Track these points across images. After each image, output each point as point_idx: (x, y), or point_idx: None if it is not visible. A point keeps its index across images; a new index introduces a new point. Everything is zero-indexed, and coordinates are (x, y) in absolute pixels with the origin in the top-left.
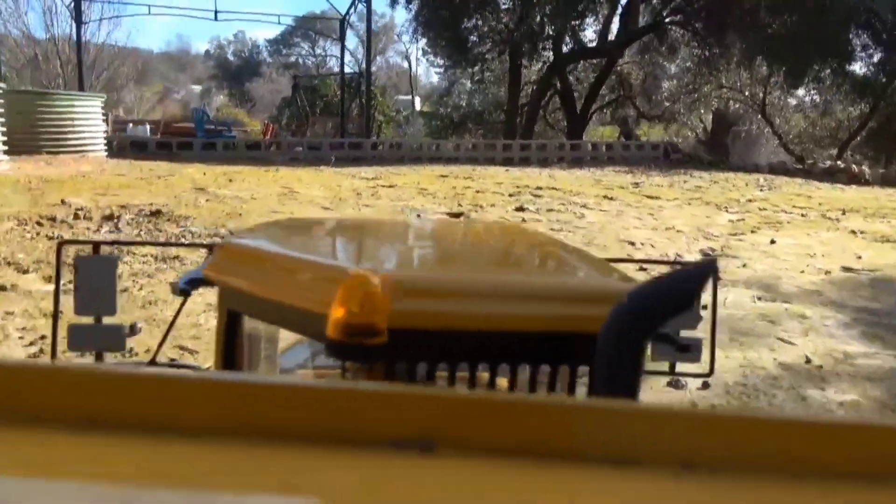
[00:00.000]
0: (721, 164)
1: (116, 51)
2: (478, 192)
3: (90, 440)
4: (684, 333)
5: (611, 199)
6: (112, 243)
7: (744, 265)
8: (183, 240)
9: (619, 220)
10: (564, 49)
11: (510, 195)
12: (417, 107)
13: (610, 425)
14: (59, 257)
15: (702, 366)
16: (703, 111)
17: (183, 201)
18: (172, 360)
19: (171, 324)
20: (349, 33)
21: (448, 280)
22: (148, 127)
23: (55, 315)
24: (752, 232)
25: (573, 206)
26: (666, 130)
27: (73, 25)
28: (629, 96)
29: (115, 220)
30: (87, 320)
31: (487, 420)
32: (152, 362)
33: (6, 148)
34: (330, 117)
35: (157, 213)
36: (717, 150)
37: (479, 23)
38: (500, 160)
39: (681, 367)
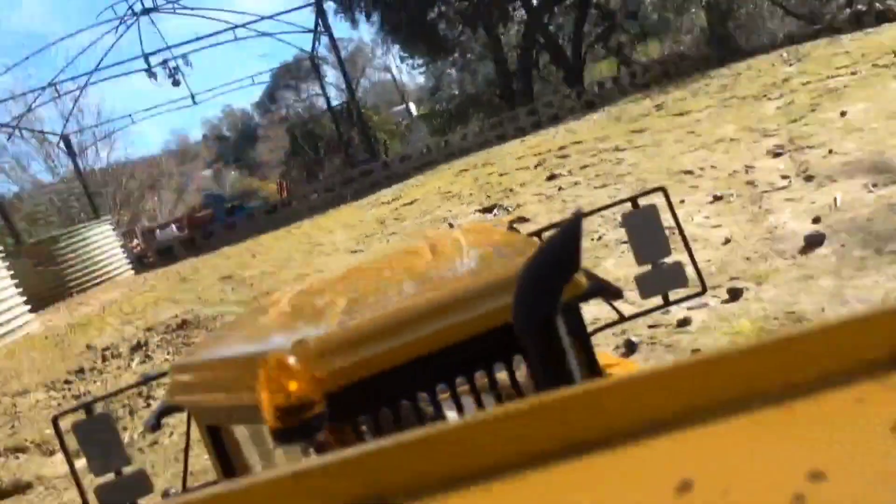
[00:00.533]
0: (733, 56)
1: (124, 168)
2: (502, 175)
3: None
4: (663, 262)
5: (640, 131)
6: (98, 400)
7: (830, 151)
8: None
9: (661, 151)
10: (534, 1)
11: (536, 166)
12: (414, 113)
13: (567, 415)
14: (59, 430)
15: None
16: (694, 10)
17: (210, 300)
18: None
19: (186, 448)
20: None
21: (358, 327)
22: (174, 227)
23: (77, 483)
24: (812, 111)
25: (605, 153)
26: (662, 44)
27: (72, 160)
28: (616, 22)
29: (144, 348)
30: (109, 478)
31: (434, 457)
32: (184, 489)
33: (29, 307)
34: (335, 154)
35: (183, 325)
36: (723, 44)
37: (444, 8)
38: (511, 133)
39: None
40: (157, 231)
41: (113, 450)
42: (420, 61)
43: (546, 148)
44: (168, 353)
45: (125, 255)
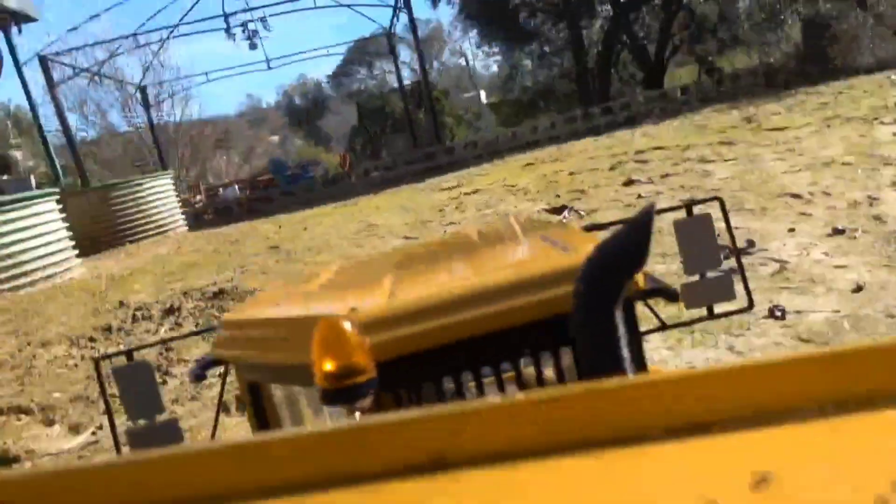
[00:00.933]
0: (828, 74)
1: (196, 124)
2: (572, 174)
3: None
4: (711, 274)
5: (729, 143)
6: (140, 347)
7: None
8: None
9: (758, 168)
10: None
11: (611, 168)
12: (484, 100)
13: (610, 404)
14: (100, 373)
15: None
16: (789, 22)
17: (251, 270)
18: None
19: (219, 404)
20: (401, 47)
21: (412, 302)
22: (236, 187)
23: (112, 426)
24: None
25: (690, 162)
26: (749, 56)
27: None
28: (705, 27)
29: (176, 314)
30: (142, 424)
31: (492, 427)
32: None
33: (77, 251)
34: (400, 133)
35: (220, 294)
36: (816, 61)
37: None
38: (583, 131)
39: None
40: (221, 190)
41: (149, 397)
42: (496, 49)
43: (622, 150)
44: (197, 323)
45: (182, 210)
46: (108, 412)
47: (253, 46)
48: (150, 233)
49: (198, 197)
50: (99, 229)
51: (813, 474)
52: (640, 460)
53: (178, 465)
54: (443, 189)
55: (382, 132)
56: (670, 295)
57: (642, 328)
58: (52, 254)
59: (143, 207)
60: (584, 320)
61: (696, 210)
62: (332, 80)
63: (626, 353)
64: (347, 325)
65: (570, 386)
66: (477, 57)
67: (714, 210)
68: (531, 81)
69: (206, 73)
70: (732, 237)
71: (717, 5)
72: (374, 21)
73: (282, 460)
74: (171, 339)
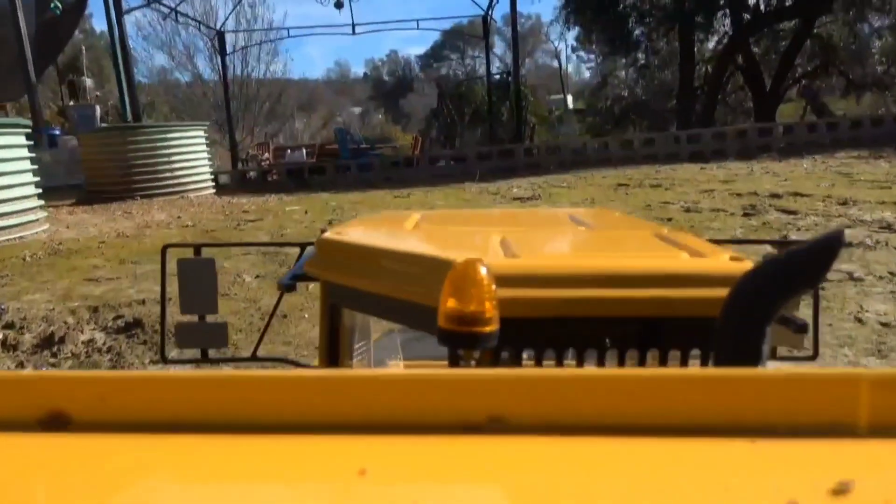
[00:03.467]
0: None
1: (279, 83)
2: (688, 210)
3: (205, 441)
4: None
5: None
6: (211, 245)
7: None
8: None
9: None
10: (746, 15)
11: (745, 214)
12: (570, 105)
13: (678, 395)
14: (165, 260)
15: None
16: None
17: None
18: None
19: (270, 318)
20: (496, 39)
21: (557, 266)
22: (304, 151)
23: (163, 316)
24: None
25: (861, 225)
26: (874, 101)
27: (231, 59)
28: (832, 63)
29: (57, 347)
30: (192, 319)
31: (554, 397)
32: (254, 356)
33: (42, 203)
34: (479, 124)
35: (131, 327)
36: None
37: (640, 1)
38: (685, 156)
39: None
40: (288, 151)
41: (207, 295)
42: (591, 56)
43: (747, 188)
44: (82, 363)
45: (212, 170)
46: (163, 300)
47: (339, 5)
48: (167, 190)
49: (265, 155)
50: (110, 178)
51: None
52: (714, 454)
53: (242, 387)
54: (515, 198)
55: (461, 120)
56: (799, 326)
57: None
58: (17, 199)
59: (163, 161)
60: (733, 332)
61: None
62: (422, 61)
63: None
64: (484, 272)
65: (649, 370)
66: (570, 61)
67: None
68: (626, 92)
69: (288, 30)
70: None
71: (854, 38)
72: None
73: (340, 397)
74: (254, 244)
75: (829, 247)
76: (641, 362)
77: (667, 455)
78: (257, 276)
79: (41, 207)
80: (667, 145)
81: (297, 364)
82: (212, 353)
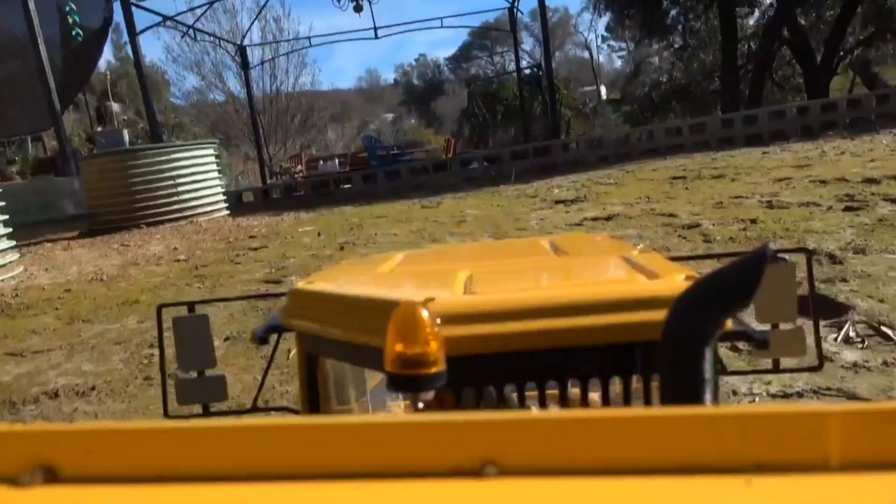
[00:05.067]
0: None
1: (308, 94)
2: (769, 204)
3: (192, 491)
4: (784, 326)
5: None
6: (203, 302)
7: None
8: None
9: None
10: None
11: (845, 209)
12: (604, 96)
13: (673, 433)
14: (160, 319)
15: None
16: None
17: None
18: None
19: (267, 369)
20: (523, 35)
21: (500, 300)
22: (337, 161)
23: (163, 373)
24: None
25: None
26: None
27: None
28: (889, 29)
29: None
30: (192, 375)
31: (546, 439)
32: (254, 407)
33: (14, 243)
34: (511, 122)
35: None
36: None
37: None
38: (740, 140)
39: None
40: (321, 162)
41: (203, 350)
42: (623, 45)
43: (831, 174)
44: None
45: (224, 190)
46: (161, 359)
47: (358, 9)
48: (174, 216)
49: (298, 167)
50: (112, 206)
51: None
52: (709, 492)
53: (228, 438)
54: (557, 202)
55: (492, 119)
56: (759, 342)
57: None
58: None
59: (167, 184)
60: (672, 354)
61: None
62: (451, 63)
63: (708, 394)
64: (425, 314)
65: (639, 409)
66: (601, 52)
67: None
68: (665, 77)
69: (310, 39)
70: (813, 290)
71: None
72: None
73: (326, 445)
74: (235, 298)
75: (757, 263)
76: (604, 391)
77: (662, 495)
78: (227, 339)
79: (12, 249)
80: (721, 129)
81: (296, 412)
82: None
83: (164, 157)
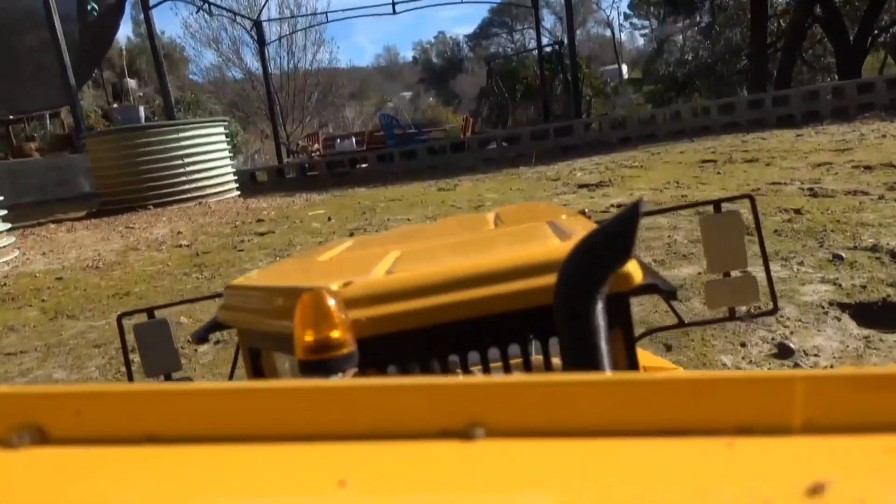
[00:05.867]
0: None
1: (327, 72)
2: (809, 192)
3: (181, 452)
4: (735, 273)
5: None
6: (160, 307)
7: None
8: None
9: None
10: None
11: None
12: (625, 75)
13: (657, 397)
14: (122, 329)
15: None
16: None
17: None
18: None
19: (233, 367)
20: (544, 12)
21: (403, 280)
22: (354, 140)
23: (130, 379)
24: None
25: None
26: None
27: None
28: None
29: None
30: (159, 380)
31: (533, 401)
32: None
33: (10, 224)
34: (531, 101)
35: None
36: None
37: None
38: (772, 121)
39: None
40: (338, 140)
41: (167, 354)
42: (646, 22)
43: (875, 158)
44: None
45: (235, 170)
46: (128, 368)
47: None
48: (183, 196)
49: (315, 146)
50: (120, 185)
51: (870, 488)
52: (691, 454)
53: (185, 400)
54: (581, 186)
55: (512, 98)
56: (667, 292)
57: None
58: None
59: (177, 163)
60: (562, 315)
61: (725, 207)
62: (471, 41)
63: (605, 349)
64: (328, 299)
65: (626, 373)
66: (622, 30)
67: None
68: (691, 55)
69: (327, 14)
70: (761, 237)
71: None
72: None
73: (313, 408)
74: (190, 300)
75: (629, 219)
76: (504, 359)
77: (645, 456)
78: (217, 343)
79: (7, 231)
80: (750, 111)
81: None
82: None
83: (171, 136)
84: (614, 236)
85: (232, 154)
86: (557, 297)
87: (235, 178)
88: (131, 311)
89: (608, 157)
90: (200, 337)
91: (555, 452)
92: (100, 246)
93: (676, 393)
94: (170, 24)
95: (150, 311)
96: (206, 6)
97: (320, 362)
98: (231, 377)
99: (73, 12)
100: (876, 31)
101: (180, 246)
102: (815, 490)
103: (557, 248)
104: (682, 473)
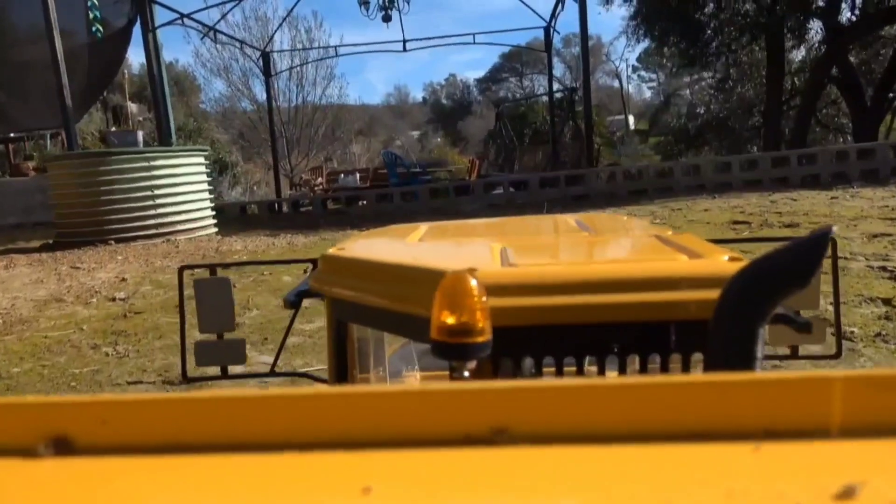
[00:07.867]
0: None
1: (334, 108)
2: (887, 273)
3: (207, 461)
4: (805, 313)
5: None
6: (225, 265)
7: None
8: None
9: None
10: (848, 16)
11: None
12: (631, 126)
13: (684, 401)
14: (182, 281)
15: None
16: None
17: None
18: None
19: (286, 333)
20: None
21: (549, 273)
22: (357, 175)
23: (182, 334)
24: None
25: None
26: None
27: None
28: None
29: None
30: (211, 337)
31: (557, 407)
32: (272, 371)
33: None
34: (539, 146)
35: None
36: None
37: (720, 5)
38: (796, 180)
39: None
40: (342, 176)
41: (224, 313)
42: (653, 75)
43: None
44: None
45: (212, 204)
46: (182, 321)
47: (387, 19)
48: (150, 232)
49: (318, 180)
50: (80, 216)
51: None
52: (718, 459)
53: (243, 408)
54: None
55: (520, 142)
56: (801, 325)
57: None
58: None
59: (146, 194)
60: (725, 333)
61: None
62: (481, 85)
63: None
64: (473, 283)
65: (648, 377)
66: (630, 81)
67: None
68: (703, 109)
69: (336, 48)
70: (836, 278)
71: None
72: (533, 10)
73: (340, 415)
74: (264, 262)
75: (817, 244)
76: (643, 368)
77: (671, 461)
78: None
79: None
80: (772, 168)
81: (314, 378)
82: (231, 369)
83: (139, 164)
84: (796, 262)
85: (212, 188)
86: (721, 314)
87: (213, 213)
88: (192, 266)
89: (623, 210)
90: (292, 303)
91: (579, 458)
92: (26, 291)
93: (702, 396)
94: (183, 52)
95: (212, 268)
96: (211, 33)
97: (457, 346)
98: (281, 346)
99: (83, 32)
100: (890, 95)
101: (114, 300)
102: (846, 493)
103: (704, 265)
104: (709, 477)
